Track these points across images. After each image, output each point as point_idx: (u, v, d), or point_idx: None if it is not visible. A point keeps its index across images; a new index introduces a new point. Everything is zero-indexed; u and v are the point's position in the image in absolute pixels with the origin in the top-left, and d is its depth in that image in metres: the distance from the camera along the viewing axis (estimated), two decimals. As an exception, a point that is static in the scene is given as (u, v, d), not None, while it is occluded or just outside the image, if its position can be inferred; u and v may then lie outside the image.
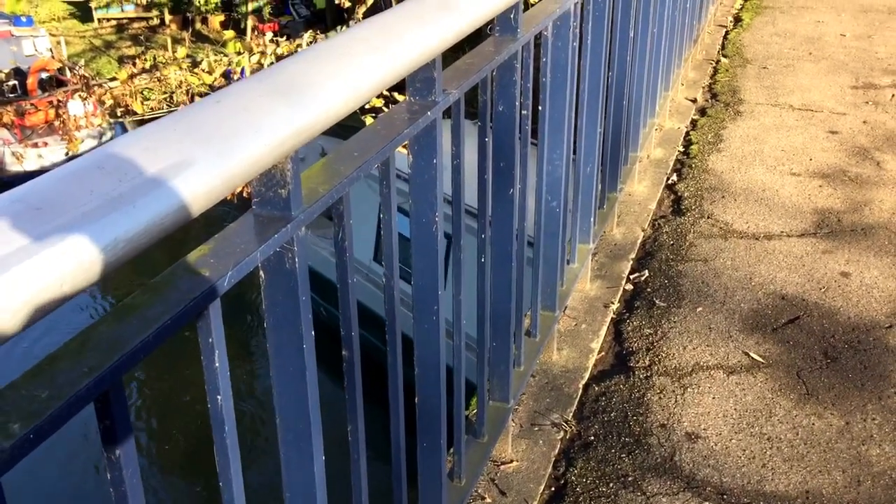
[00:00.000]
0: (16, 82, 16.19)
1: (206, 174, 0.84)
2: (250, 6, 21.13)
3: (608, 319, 2.87)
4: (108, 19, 22.85)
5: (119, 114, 12.35)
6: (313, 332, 1.12)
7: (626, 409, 2.44)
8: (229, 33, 19.16)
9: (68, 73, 16.24)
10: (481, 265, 1.90)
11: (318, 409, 1.16)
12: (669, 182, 3.98)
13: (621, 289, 3.05)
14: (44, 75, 16.22)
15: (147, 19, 22.49)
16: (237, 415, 1.00)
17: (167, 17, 22.18)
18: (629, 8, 3.06)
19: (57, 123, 14.44)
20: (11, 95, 15.83)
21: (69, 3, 23.73)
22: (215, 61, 11.61)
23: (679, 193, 3.86)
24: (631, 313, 2.92)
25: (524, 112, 1.94)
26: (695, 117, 4.82)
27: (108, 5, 22.63)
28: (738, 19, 6.90)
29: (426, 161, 1.46)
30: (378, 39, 1.22)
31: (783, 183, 3.95)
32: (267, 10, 21.01)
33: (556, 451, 2.28)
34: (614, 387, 2.54)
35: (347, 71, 1.12)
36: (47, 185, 0.74)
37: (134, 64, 13.16)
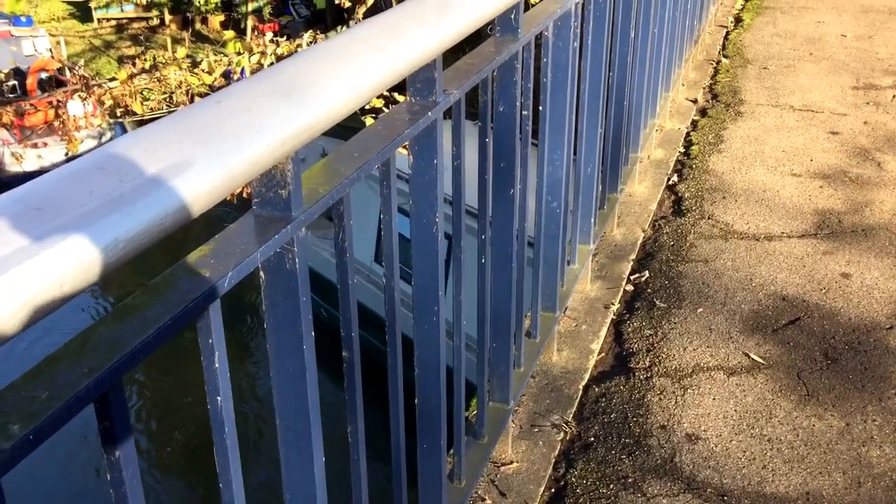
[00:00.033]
0: (15, 82, 16.17)
1: (207, 174, 0.84)
2: (250, 6, 21.14)
3: (608, 320, 2.87)
4: (108, 19, 22.85)
5: (119, 114, 12.35)
6: (313, 333, 1.12)
7: (626, 411, 2.43)
8: (229, 33, 19.19)
9: (68, 74, 16.23)
10: (482, 266, 1.90)
11: (318, 409, 1.16)
12: (670, 183, 3.98)
13: (622, 290, 3.05)
14: (43, 75, 16.20)
15: (147, 19, 22.49)
16: (237, 415, 1.00)
17: (167, 18, 22.18)
18: (630, 8, 3.06)
19: (56, 124, 14.45)
20: (11, 96, 15.81)
21: (69, 3, 23.72)
22: (215, 61, 11.62)
23: (679, 194, 3.85)
24: (631, 314, 2.92)
25: (525, 112, 1.93)
26: (695, 118, 4.82)
27: (107, 5, 22.62)
28: (738, 20, 6.90)
29: (427, 161, 1.46)
30: (378, 40, 1.22)
31: (784, 184, 3.95)
32: (267, 10, 21.01)
33: (557, 452, 2.28)
34: (614, 388, 2.54)
35: (348, 71, 1.11)
36: (47, 186, 0.73)
37: (134, 64, 13.15)
